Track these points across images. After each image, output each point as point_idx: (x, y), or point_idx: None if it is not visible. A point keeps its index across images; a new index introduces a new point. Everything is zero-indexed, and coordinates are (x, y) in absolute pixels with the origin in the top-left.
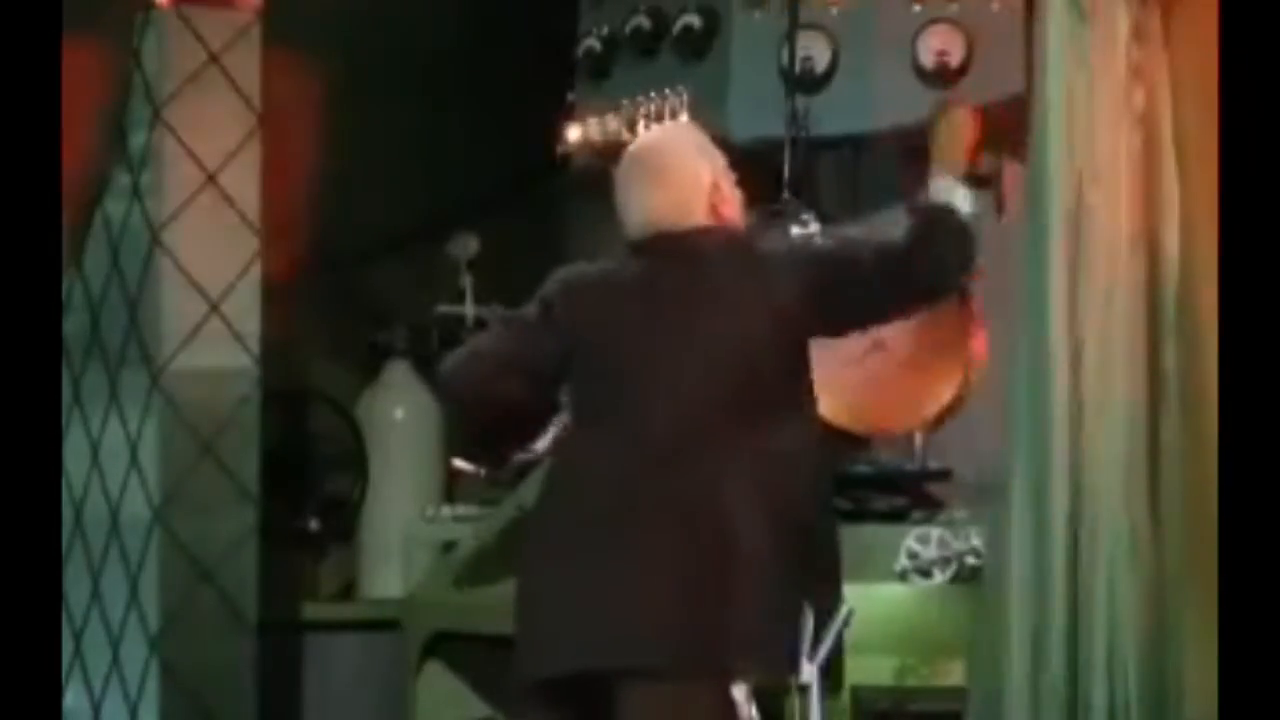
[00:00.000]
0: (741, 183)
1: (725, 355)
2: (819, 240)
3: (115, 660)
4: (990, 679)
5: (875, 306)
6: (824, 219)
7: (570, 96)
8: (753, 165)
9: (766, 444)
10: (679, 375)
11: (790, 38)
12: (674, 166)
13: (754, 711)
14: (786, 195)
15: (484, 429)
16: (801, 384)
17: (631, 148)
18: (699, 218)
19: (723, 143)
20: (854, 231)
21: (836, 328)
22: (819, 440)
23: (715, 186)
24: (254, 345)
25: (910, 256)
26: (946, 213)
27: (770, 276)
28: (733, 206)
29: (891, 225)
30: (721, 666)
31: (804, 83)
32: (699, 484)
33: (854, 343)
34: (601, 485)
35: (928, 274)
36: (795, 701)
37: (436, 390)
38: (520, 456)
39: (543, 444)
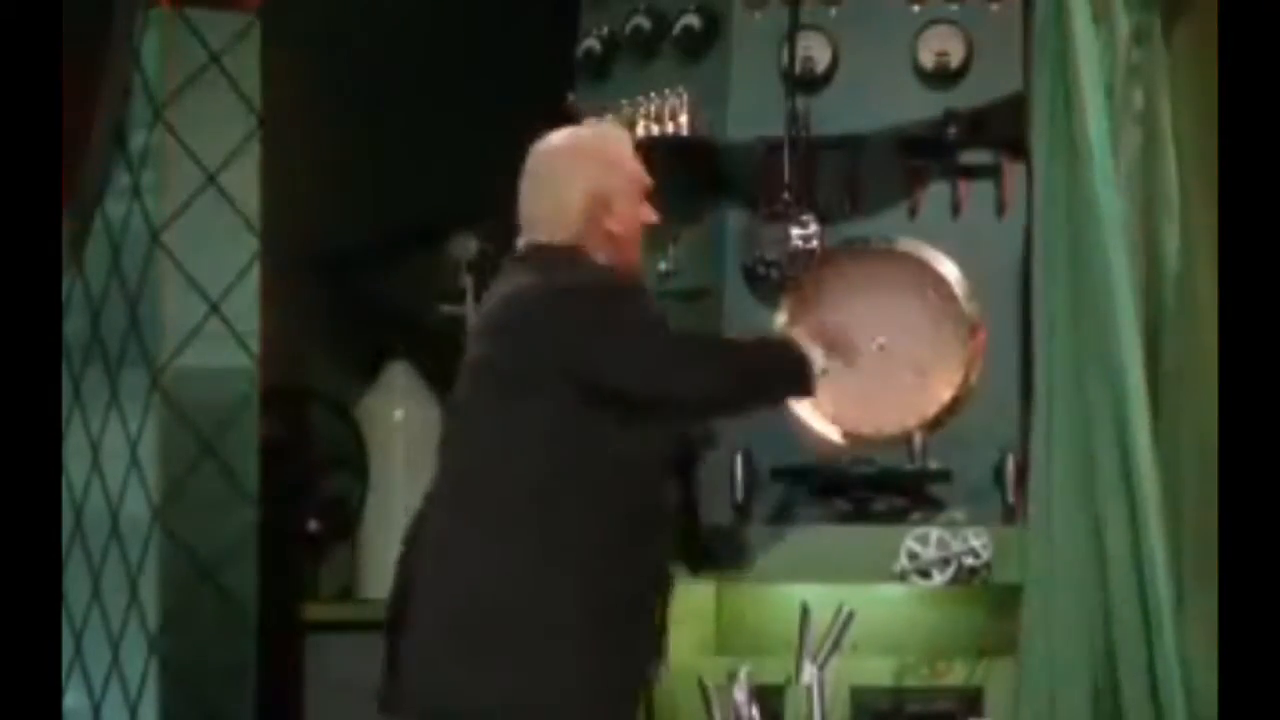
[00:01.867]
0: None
1: (500, 394)
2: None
3: (115, 660)
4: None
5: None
6: (823, 219)
7: (570, 96)
8: (752, 166)
9: (536, 508)
10: (467, 411)
11: (790, 38)
12: (559, 171)
13: (754, 711)
14: (786, 196)
15: None
16: (576, 445)
17: (534, 145)
18: (570, 231)
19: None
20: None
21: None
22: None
23: (600, 200)
24: (254, 345)
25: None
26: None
27: (553, 344)
28: (625, 223)
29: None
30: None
31: (804, 83)
32: (461, 533)
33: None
34: (417, 522)
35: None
36: (796, 701)
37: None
38: None
39: None
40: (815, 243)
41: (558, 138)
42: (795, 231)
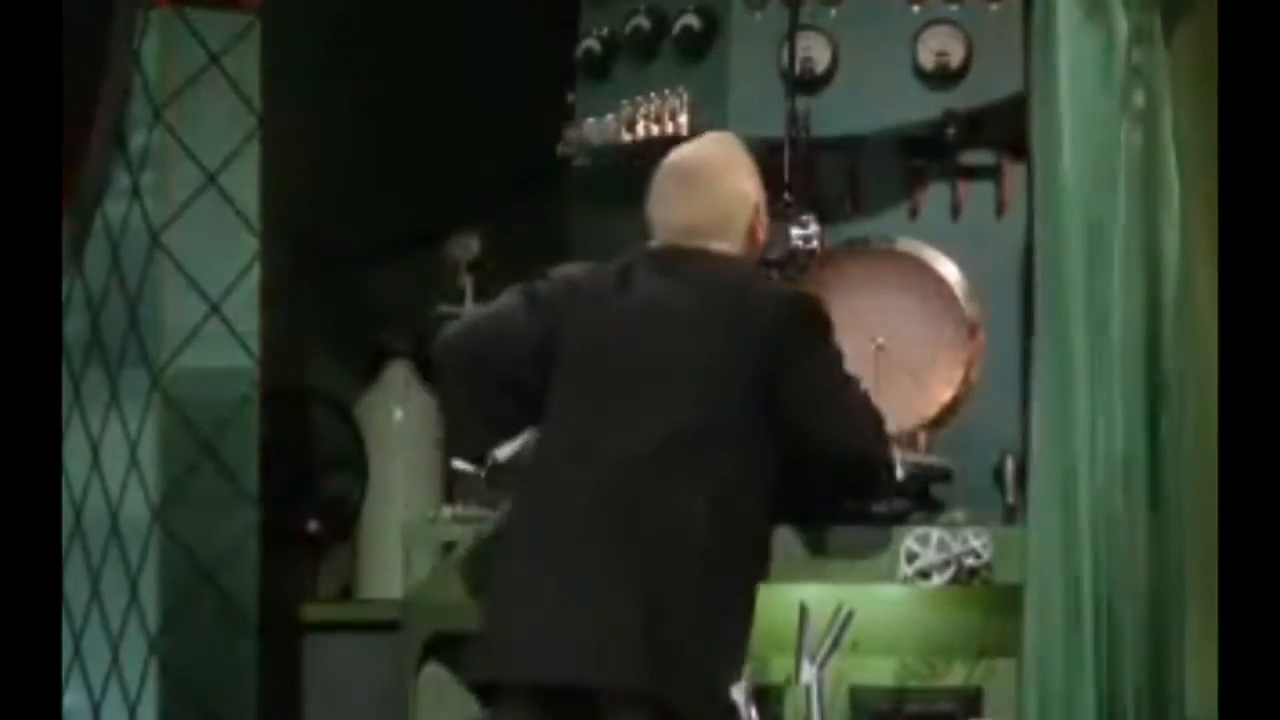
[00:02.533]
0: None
1: (698, 392)
2: (830, 360)
3: (115, 660)
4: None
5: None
6: (823, 219)
7: (570, 96)
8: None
9: (716, 496)
10: (648, 399)
11: (790, 38)
12: (725, 182)
13: (754, 712)
14: (787, 196)
15: (466, 408)
16: (767, 445)
17: (679, 154)
18: (734, 239)
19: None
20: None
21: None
22: (766, 509)
23: (758, 209)
24: (254, 345)
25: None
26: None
27: (769, 342)
28: (766, 232)
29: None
30: (665, 689)
31: (804, 83)
32: (645, 514)
33: (853, 344)
34: (555, 496)
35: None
36: (795, 701)
37: (431, 360)
38: (495, 453)
39: (509, 447)
40: (815, 243)
41: (712, 147)
42: (795, 232)
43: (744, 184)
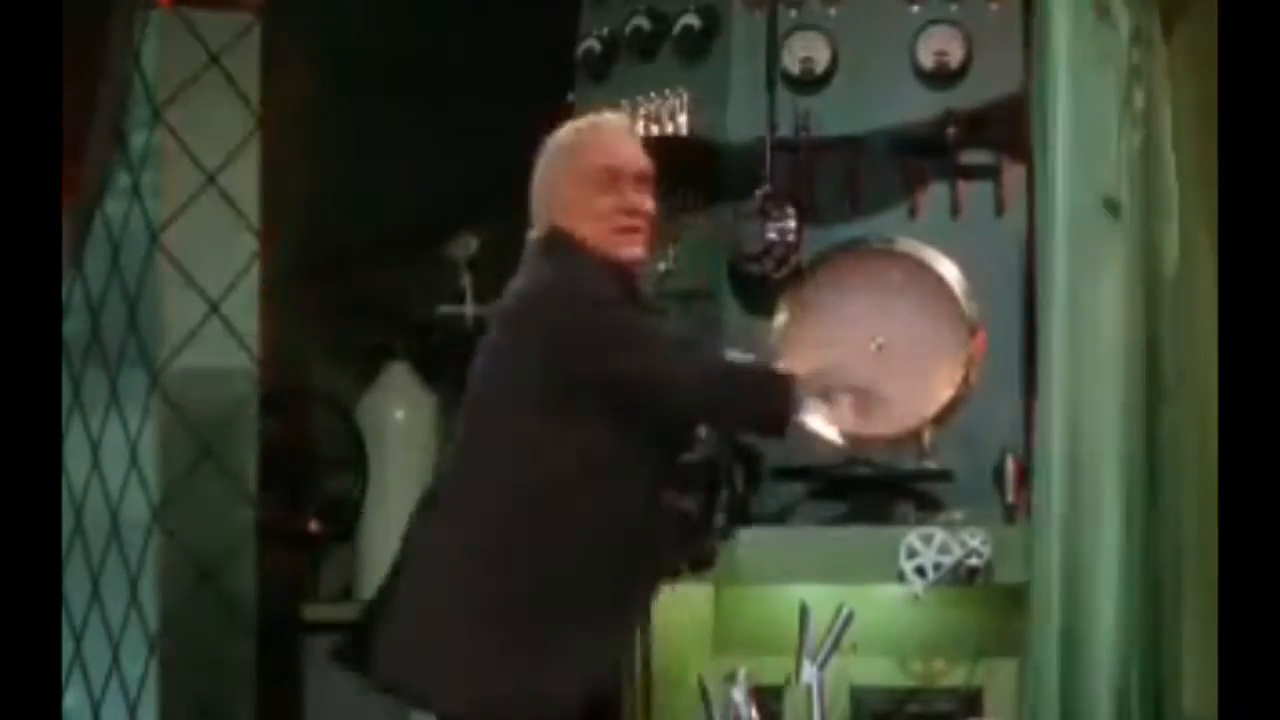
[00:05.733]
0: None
1: (493, 393)
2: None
3: (115, 660)
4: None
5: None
6: (818, 218)
7: (570, 96)
8: (752, 166)
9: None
10: (471, 405)
11: (771, 35)
12: (537, 167)
13: (752, 712)
14: (767, 189)
15: None
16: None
17: None
18: (541, 225)
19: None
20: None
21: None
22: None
23: (554, 193)
24: (254, 345)
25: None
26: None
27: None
28: (576, 218)
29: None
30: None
31: (804, 83)
32: (459, 525)
33: (853, 343)
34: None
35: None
36: (795, 701)
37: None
38: None
39: None
40: (792, 236)
41: (564, 127)
42: (771, 225)
43: (542, 166)
